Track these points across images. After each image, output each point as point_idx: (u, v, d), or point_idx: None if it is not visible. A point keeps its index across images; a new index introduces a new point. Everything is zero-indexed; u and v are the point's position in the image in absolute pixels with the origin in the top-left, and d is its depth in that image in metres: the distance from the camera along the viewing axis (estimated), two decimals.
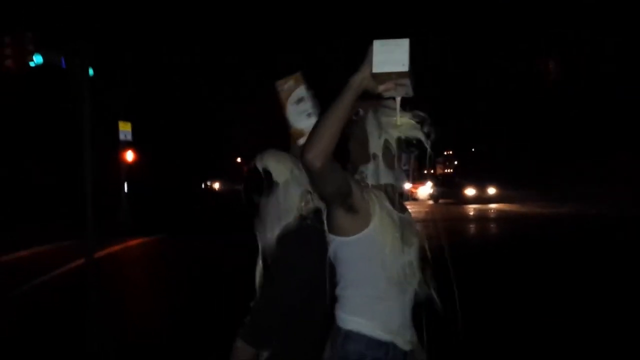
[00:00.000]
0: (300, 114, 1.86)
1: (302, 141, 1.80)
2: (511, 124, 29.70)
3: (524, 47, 27.14)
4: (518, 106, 28.49)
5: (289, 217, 1.86)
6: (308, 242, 1.77)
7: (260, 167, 1.90)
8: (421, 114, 1.68)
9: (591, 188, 20.95)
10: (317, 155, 1.43)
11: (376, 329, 1.63)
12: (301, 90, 1.87)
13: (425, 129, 1.67)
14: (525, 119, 28.54)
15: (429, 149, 1.68)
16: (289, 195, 1.87)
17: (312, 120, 1.81)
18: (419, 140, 1.68)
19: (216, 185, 38.70)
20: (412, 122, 1.67)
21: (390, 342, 1.64)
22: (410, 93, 1.52)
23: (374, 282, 1.63)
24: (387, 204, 1.68)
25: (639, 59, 22.33)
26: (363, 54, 1.46)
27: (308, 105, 1.86)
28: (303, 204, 1.87)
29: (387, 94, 1.52)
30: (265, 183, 1.88)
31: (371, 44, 1.45)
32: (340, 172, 1.55)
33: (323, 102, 2.14)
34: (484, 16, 28.25)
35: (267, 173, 1.89)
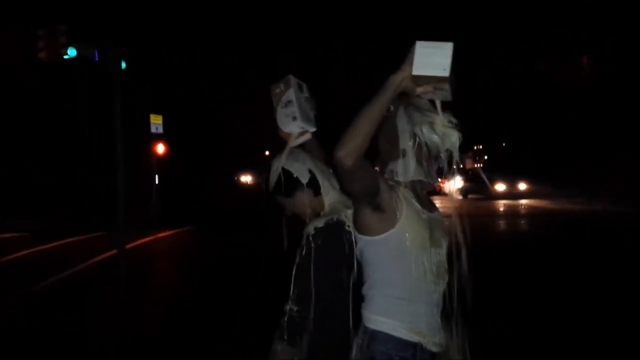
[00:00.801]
0: (286, 117, 1.90)
1: (292, 143, 1.89)
2: (511, 124, 29.71)
3: (524, 47, 27.15)
4: (518, 106, 28.50)
5: (315, 215, 1.86)
6: (337, 239, 1.75)
7: (279, 166, 1.88)
8: (453, 119, 1.64)
9: (596, 188, 20.87)
10: (349, 154, 1.41)
11: (403, 329, 1.60)
12: (290, 94, 1.90)
13: (460, 137, 1.63)
14: (525, 119, 28.55)
15: (456, 157, 1.64)
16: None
17: (297, 124, 1.88)
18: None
19: (248, 179, 38.01)
20: (451, 130, 1.63)
21: (418, 343, 1.61)
22: (449, 97, 1.48)
23: (400, 283, 1.61)
24: (416, 203, 1.65)
25: (639, 59, 22.33)
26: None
27: (294, 109, 1.89)
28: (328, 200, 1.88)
29: (425, 97, 1.50)
30: (285, 183, 1.87)
31: (414, 44, 1.41)
32: (370, 170, 1.52)
33: (322, 102, 2.14)
34: (484, 16, 28.27)
35: (287, 172, 1.87)
